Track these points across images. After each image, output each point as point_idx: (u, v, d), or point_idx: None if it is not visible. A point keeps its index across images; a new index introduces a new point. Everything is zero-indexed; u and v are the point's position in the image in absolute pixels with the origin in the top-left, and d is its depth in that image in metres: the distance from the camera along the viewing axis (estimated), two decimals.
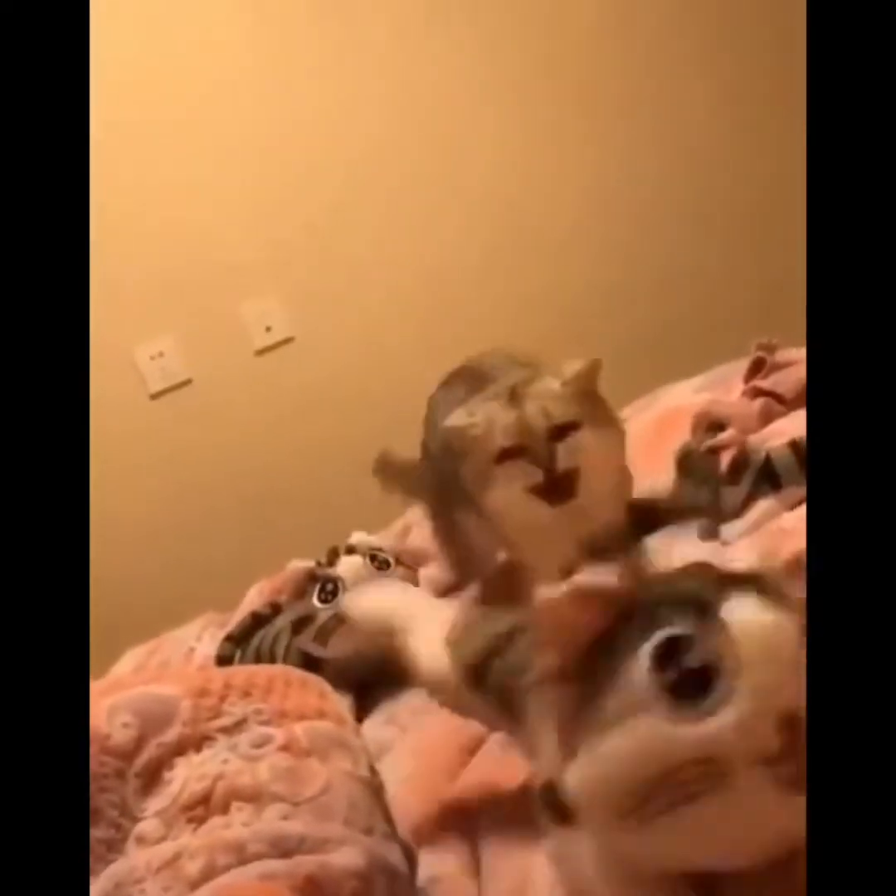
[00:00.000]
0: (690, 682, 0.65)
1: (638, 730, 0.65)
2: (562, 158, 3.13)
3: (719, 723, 0.64)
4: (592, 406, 1.28)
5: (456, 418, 1.29)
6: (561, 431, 1.23)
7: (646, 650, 0.67)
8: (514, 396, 1.26)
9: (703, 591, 0.69)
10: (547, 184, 3.13)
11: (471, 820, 1.06)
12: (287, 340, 3.07)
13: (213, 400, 3.03)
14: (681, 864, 0.70)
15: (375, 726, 1.46)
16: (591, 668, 0.69)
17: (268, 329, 3.05)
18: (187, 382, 3.02)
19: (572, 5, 3.10)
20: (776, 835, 0.66)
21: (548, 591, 0.70)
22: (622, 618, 0.69)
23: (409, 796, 1.16)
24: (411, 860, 0.97)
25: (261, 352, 3.06)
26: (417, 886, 0.95)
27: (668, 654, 0.66)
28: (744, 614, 0.67)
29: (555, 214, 3.13)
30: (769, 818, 0.65)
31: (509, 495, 1.25)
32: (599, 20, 3.10)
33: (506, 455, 1.23)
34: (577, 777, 0.68)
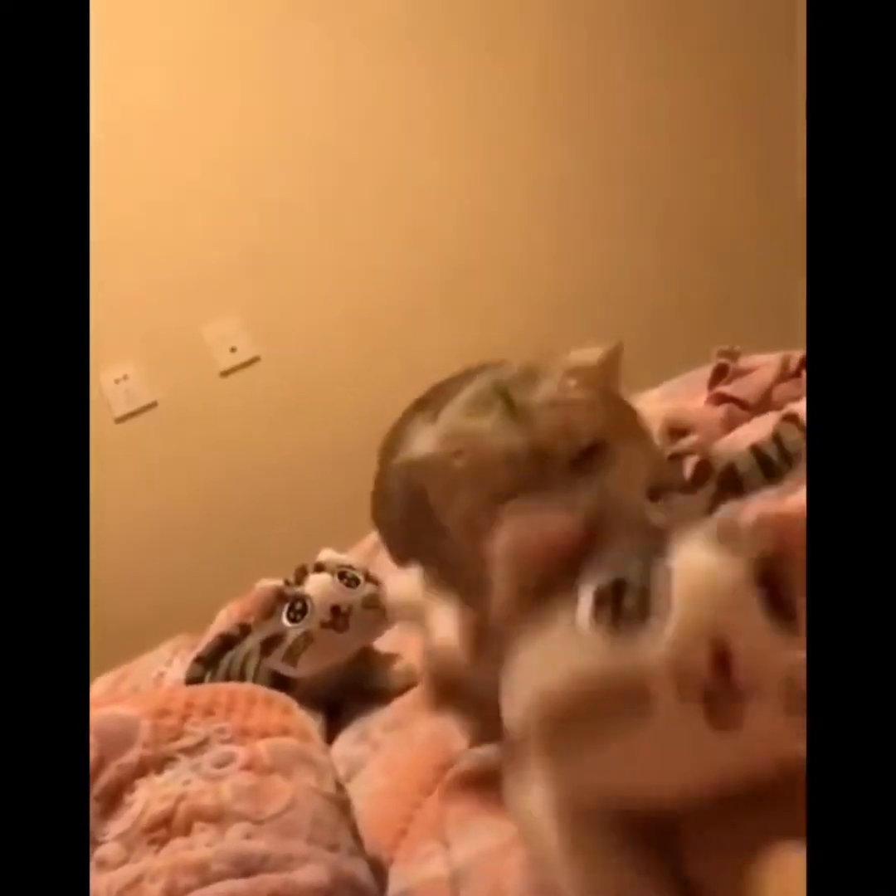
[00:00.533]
0: (625, 620, 0.66)
1: (572, 661, 0.67)
2: (517, 170, 3.15)
3: (646, 654, 0.64)
4: (617, 410, 0.96)
5: (423, 444, 0.92)
6: (587, 455, 0.89)
7: (589, 590, 0.68)
8: (514, 407, 0.89)
9: (655, 536, 0.71)
10: (505, 197, 3.15)
11: (446, 831, 1.06)
12: (253, 360, 3.06)
13: (179, 422, 3.02)
14: (613, 796, 0.70)
15: (347, 744, 1.45)
16: (546, 606, 0.71)
17: (232, 350, 3.05)
18: (152, 405, 3.01)
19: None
20: (705, 770, 0.67)
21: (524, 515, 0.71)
22: (578, 561, 0.70)
23: (381, 811, 1.16)
24: (381, 876, 0.97)
25: (226, 372, 3.06)
26: None
27: (610, 595, 0.68)
28: (686, 555, 0.68)
29: (512, 228, 3.15)
30: (696, 752, 0.65)
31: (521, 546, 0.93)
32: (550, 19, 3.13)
33: (513, 493, 0.85)
34: (519, 704, 0.70)
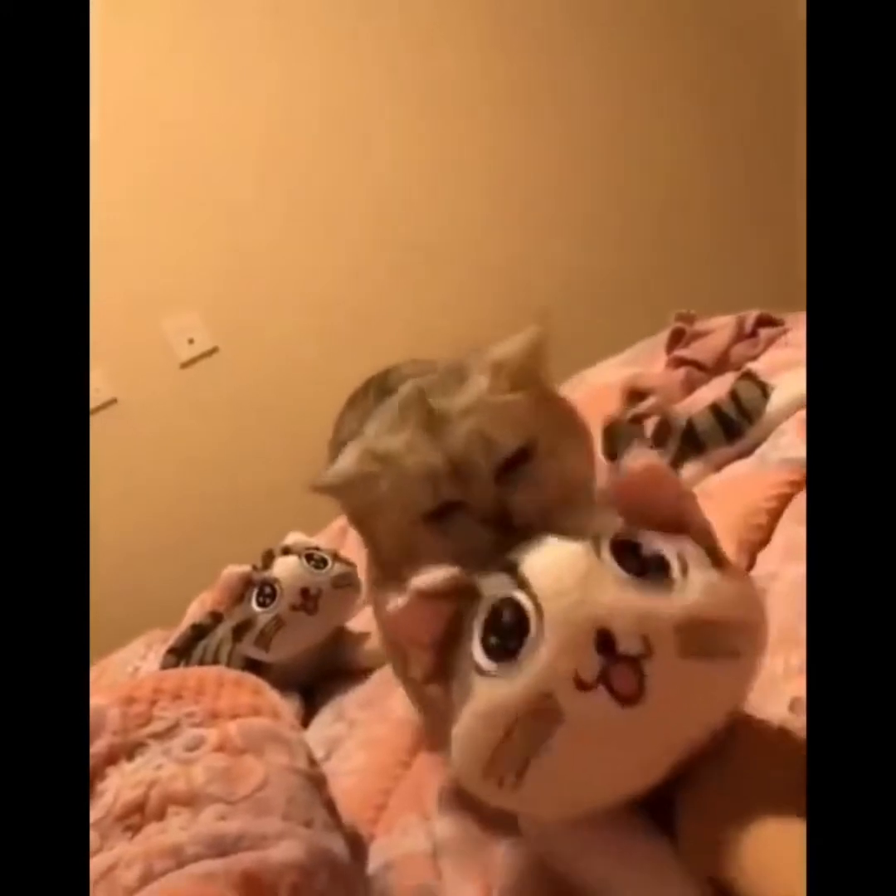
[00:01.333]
0: (509, 640, 0.69)
1: (477, 699, 0.69)
2: (476, 155, 3.14)
3: (534, 666, 0.67)
4: (546, 407, 0.88)
5: (347, 462, 0.87)
6: (511, 465, 0.82)
7: (477, 623, 0.71)
8: (433, 418, 0.84)
9: (512, 552, 0.74)
10: (465, 183, 3.14)
11: (425, 803, 1.06)
12: (212, 351, 3.05)
13: (141, 416, 3.00)
14: (573, 808, 0.71)
15: (324, 724, 1.45)
16: (458, 654, 0.73)
17: (190, 341, 3.03)
18: (112, 401, 2.98)
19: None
20: (643, 747, 0.68)
21: (392, 602, 0.73)
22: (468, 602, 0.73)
23: (360, 787, 1.16)
24: (361, 850, 0.97)
25: (186, 364, 3.03)
26: (369, 875, 0.95)
27: (491, 622, 0.71)
28: (535, 560, 0.72)
29: (472, 210, 3.14)
30: (621, 736, 0.67)
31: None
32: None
33: (436, 515, 0.82)
34: (453, 754, 0.72)
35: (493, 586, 0.72)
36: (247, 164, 3.03)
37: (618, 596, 0.68)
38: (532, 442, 0.82)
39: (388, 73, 3.08)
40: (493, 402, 0.83)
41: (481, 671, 0.69)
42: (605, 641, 0.66)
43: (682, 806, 0.71)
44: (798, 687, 0.78)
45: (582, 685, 0.66)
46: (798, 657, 0.80)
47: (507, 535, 0.78)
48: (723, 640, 0.68)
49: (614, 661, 0.66)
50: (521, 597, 0.69)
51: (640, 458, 0.75)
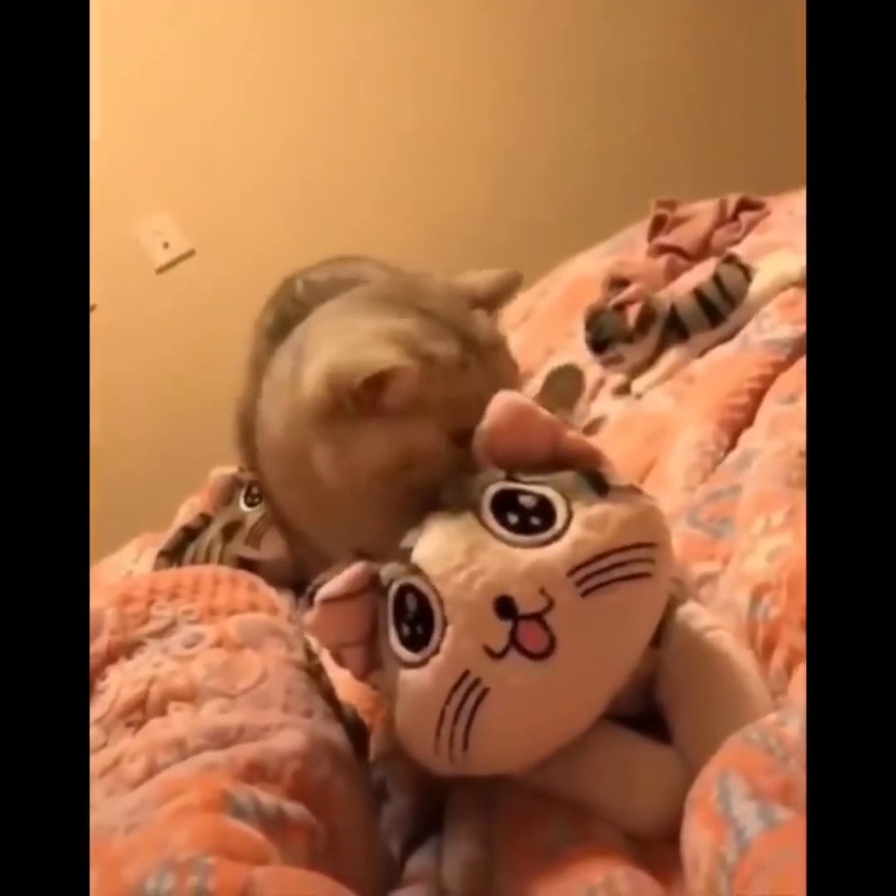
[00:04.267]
0: (417, 627, 0.71)
1: (405, 690, 0.71)
2: (454, 38, 3.07)
3: (446, 648, 0.68)
4: (503, 373, 0.86)
5: (375, 352, 0.79)
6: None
7: (387, 616, 0.73)
8: (471, 341, 0.82)
9: (404, 538, 0.75)
10: (443, 66, 3.08)
11: None
12: (188, 254, 3.01)
13: (120, 322, 2.97)
14: (528, 758, 0.73)
15: None
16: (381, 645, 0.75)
17: (166, 245, 2.99)
18: (91, 308, 2.95)
19: None
20: (581, 697, 0.70)
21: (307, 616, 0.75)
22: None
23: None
24: (362, 739, 0.99)
25: (162, 269, 3.00)
26: (372, 761, 0.97)
27: (398, 610, 0.73)
28: (423, 543, 0.73)
29: (451, 98, 3.09)
30: (547, 687, 0.68)
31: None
32: None
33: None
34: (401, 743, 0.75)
35: (392, 575, 0.73)
36: (219, 60, 2.97)
37: (506, 559, 0.69)
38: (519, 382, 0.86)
39: None
40: (501, 341, 0.84)
41: (402, 662, 0.71)
42: (505, 607, 0.67)
43: (672, 727, 0.73)
44: (774, 541, 0.78)
45: (494, 654, 0.67)
46: (777, 519, 0.81)
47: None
48: (619, 568, 0.69)
49: (518, 622, 0.67)
50: (417, 583, 0.71)
51: (499, 400, 0.74)
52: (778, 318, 1.33)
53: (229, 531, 1.56)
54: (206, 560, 1.61)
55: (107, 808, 0.69)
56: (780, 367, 1.23)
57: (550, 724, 0.70)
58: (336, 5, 3.00)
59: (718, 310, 1.45)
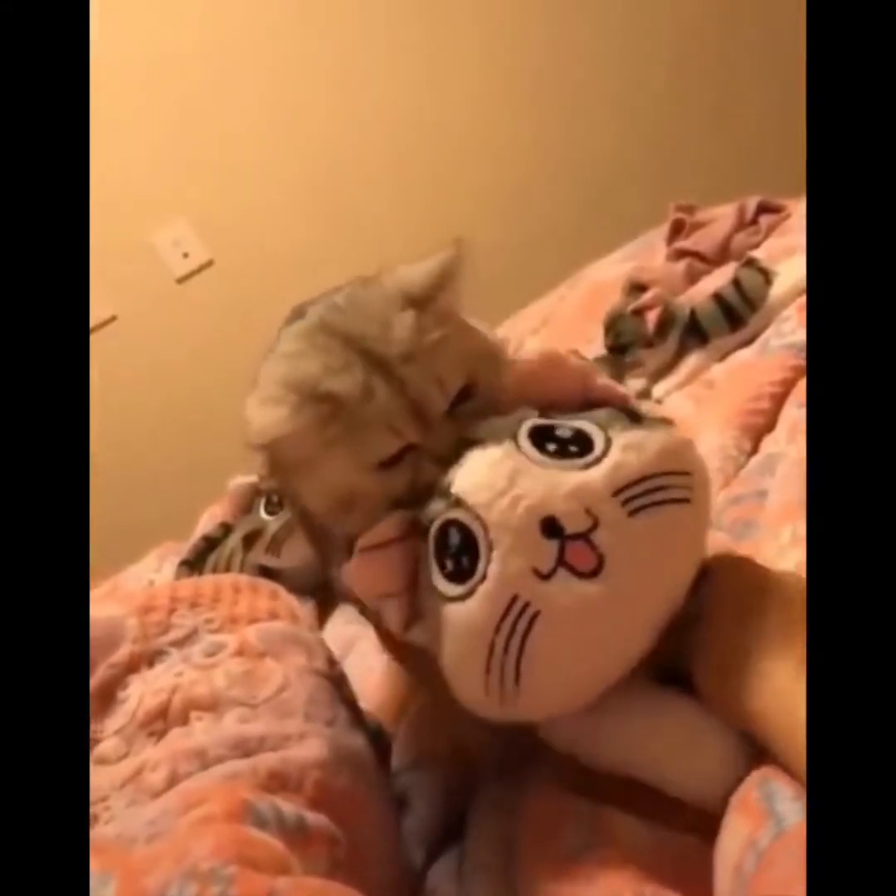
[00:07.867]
0: (462, 559, 0.70)
1: (453, 626, 0.71)
2: (463, 42, 3.07)
3: (493, 575, 0.68)
4: (467, 336, 0.85)
5: (283, 410, 0.79)
6: (456, 402, 0.81)
7: (430, 554, 0.73)
8: (372, 359, 0.78)
9: (441, 475, 0.75)
10: (454, 74, 3.07)
11: None
12: (207, 264, 3.02)
13: (140, 333, 2.98)
14: (578, 696, 0.72)
15: (339, 625, 1.47)
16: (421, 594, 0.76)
17: (185, 255, 2.99)
18: (112, 319, 2.96)
19: None
20: (626, 611, 0.69)
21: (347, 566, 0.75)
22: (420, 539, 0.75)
23: (378, 688, 1.18)
24: (384, 747, 0.98)
25: (182, 279, 3.01)
26: (394, 770, 0.97)
27: (442, 546, 0.72)
28: (463, 476, 0.73)
29: (465, 102, 3.08)
30: (599, 606, 0.67)
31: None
32: None
33: (392, 460, 0.79)
34: (452, 687, 0.74)
35: (434, 513, 0.73)
36: (232, 67, 2.97)
37: (549, 481, 0.69)
38: (473, 378, 0.81)
39: None
40: (432, 341, 0.79)
41: (448, 598, 0.71)
42: (551, 527, 0.67)
43: (696, 675, 0.71)
44: (802, 552, 0.78)
45: (542, 575, 0.67)
46: (803, 529, 0.81)
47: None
48: (661, 491, 0.69)
49: (565, 541, 0.67)
50: (460, 515, 0.71)
51: (532, 350, 0.75)
52: (798, 322, 1.33)
53: (250, 540, 1.56)
54: (227, 569, 1.61)
55: (128, 818, 0.69)
56: (801, 371, 1.23)
57: (603, 647, 0.70)
58: (354, 12, 2.99)
59: (738, 314, 1.45)
